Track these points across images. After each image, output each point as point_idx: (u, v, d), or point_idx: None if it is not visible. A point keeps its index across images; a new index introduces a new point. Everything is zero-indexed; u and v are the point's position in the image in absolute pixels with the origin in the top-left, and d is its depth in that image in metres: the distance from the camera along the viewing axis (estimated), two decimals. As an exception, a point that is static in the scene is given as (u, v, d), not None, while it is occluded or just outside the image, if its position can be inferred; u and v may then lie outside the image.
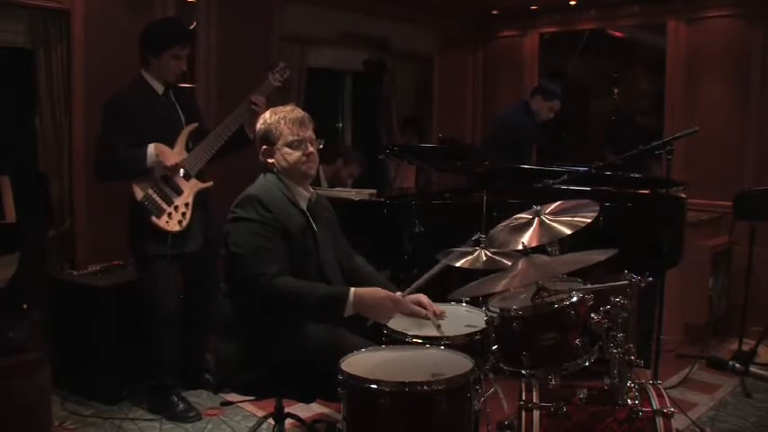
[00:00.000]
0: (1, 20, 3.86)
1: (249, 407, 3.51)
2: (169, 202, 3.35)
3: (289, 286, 2.35)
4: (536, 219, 2.51)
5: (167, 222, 3.32)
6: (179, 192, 3.38)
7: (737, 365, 3.94)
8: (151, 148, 3.28)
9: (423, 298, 2.56)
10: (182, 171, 3.38)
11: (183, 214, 3.37)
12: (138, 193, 3.29)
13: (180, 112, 3.51)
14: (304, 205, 2.57)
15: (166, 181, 3.34)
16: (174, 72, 3.43)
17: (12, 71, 4.13)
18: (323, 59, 5.77)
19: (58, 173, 4.10)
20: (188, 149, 3.45)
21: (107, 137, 3.32)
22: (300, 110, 2.59)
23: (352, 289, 2.37)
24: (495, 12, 6.55)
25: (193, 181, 3.44)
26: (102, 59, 4.13)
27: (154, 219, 3.29)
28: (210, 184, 3.51)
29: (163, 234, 3.31)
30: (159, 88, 3.43)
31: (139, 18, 4.26)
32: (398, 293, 2.53)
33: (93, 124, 4.07)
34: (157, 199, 3.31)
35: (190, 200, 3.41)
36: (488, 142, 5.30)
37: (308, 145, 2.55)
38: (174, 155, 3.34)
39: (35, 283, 3.57)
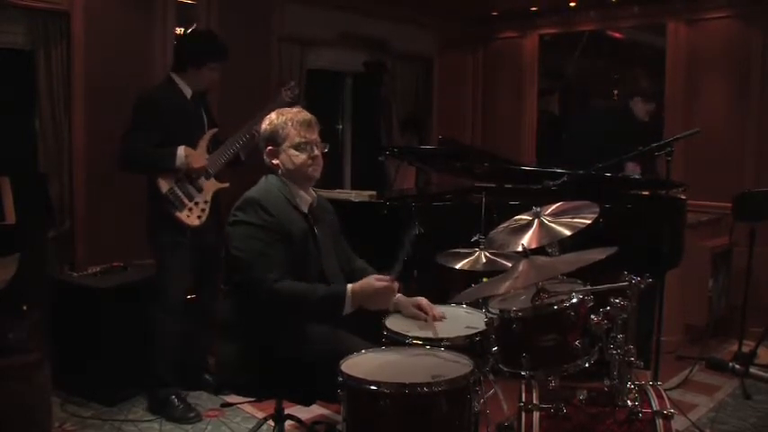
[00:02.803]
0: (1, 21, 3.86)
1: (249, 408, 3.51)
2: (190, 198, 3.51)
3: (288, 290, 2.34)
4: (536, 220, 2.51)
5: (188, 217, 3.48)
6: (200, 190, 3.55)
7: (737, 367, 3.94)
8: (181, 150, 3.44)
9: (422, 301, 2.56)
10: None
11: (203, 210, 3.54)
12: (164, 186, 3.43)
13: (204, 116, 3.68)
14: (305, 208, 2.57)
15: (189, 179, 3.50)
16: (207, 83, 3.64)
17: (12, 72, 4.14)
18: (323, 60, 5.77)
19: (58, 173, 4.09)
20: (208, 152, 3.59)
21: (136, 131, 3.44)
22: (307, 112, 2.59)
23: (349, 285, 2.37)
24: (494, 13, 6.54)
25: (212, 180, 3.60)
26: (102, 60, 4.13)
27: (175, 212, 3.44)
28: (227, 185, 3.64)
29: (183, 227, 3.46)
30: (188, 92, 3.59)
31: (140, 19, 4.28)
32: (398, 295, 2.54)
33: (93, 125, 4.10)
34: (180, 194, 3.47)
35: (209, 197, 3.57)
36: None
37: (314, 148, 2.54)
38: (201, 158, 3.51)
39: (35, 284, 3.57)
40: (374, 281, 2.38)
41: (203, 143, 3.57)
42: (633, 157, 4.02)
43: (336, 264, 2.64)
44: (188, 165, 3.45)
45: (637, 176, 4.42)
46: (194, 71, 3.56)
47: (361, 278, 2.69)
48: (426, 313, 2.53)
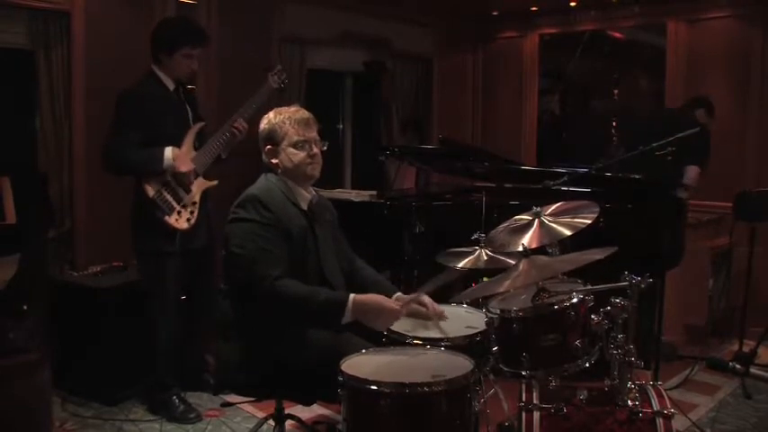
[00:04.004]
0: (1, 21, 3.86)
1: (249, 408, 3.51)
2: (179, 201, 3.39)
3: (290, 290, 2.33)
4: (536, 220, 2.51)
5: (177, 220, 3.36)
6: (188, 190, 3.42)
7: (738, 366, 3.94)
8: (168, 152, 3.32)
9: (424, 297, 2.56)
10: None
11: (192, 212, 3.42)
12: (150, 191, 3.30)
13: (188, 110, 3.55)
14: (305, 206, 2.57)
15: (176, 179, 3.37)
16: (185, 71, 3.48)
17: (12, 72, 4.14)
18: (323, 60, 5.77)
19: (59, 173, 4.10)
20: (195, 148, 3.48)
21: (120, 130, 3.33)
22: (305, 110, 2.58)
23: (352, 295, 2.35)
24: (494, 12, 6.55)
25: (200, 179, 3.48)
26: (103, 60, 4.14)
27: (164, 217, 3.32)
28: (215, 182, 3.55)
29: (171, 232, 3.35)
30: (170, 85, 3.46)
31: (139, 18, 4.28)
32: (398, 294, 2.54)
33: (93, 125, 4.10)
34: (168, 197, 3.35)
35: (197, 198, 3.46)
36: None
37: (313, 146, 2.54)
38: (188, 161, 3.39)
39: (35, 284, 3.57)
40: (381, 301, 2.36)
41: (189, 139, 3.44)
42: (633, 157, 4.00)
43: (336, 262, 2.64)
44: (174, 168, 3.32)
45: (637, 176, 4.42)
46: (168, 59, 3.39)
47: (361, 280, 2.70)
48: (428, 308, 2.53)
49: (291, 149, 2.51)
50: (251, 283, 2.36)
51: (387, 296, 2.50)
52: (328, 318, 2.35)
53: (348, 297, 2.34)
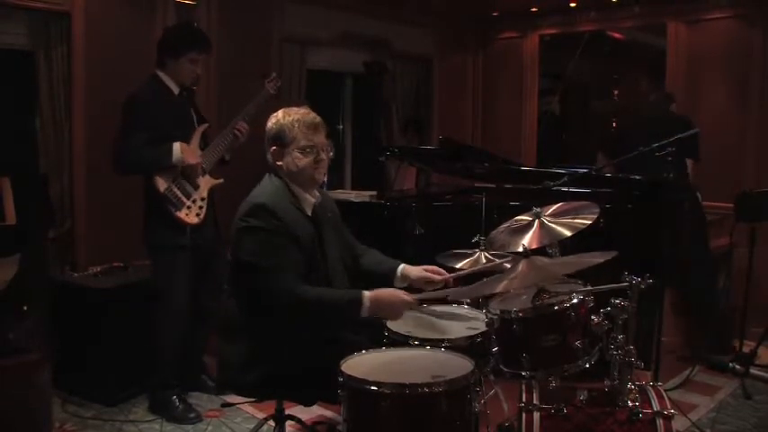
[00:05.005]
0: (2, 22, 3.87)
1: (249, 408, 3.51)
2: (188, 196, 3.45)
3: (309, 296, 2.35)
4: (536, 221, 2.50)
5: (187, 215, 3.42)
6: (196, 187, 3.49)
7: (737, 367, 3.93)
8: (177, 146, 3.38)
9: (431, 267, 2.60)
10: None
11: (201, 208, 3.49)
12: (161, 185, 3.37)
13: (192, 113, 3.61)
14: (309, 211, 2.54)
15: (185, 176, 3.44)
16: (190, 75, 3.53)
17: (13, 73, 4.14)
18: (323, 61, 5.78)
19: (59, 174, 4.10)
20: (201, 148, 3.55)
21: (129, 134, 3.37)
22: (315, 114, 2.53)
23: (366, 293, 2.36)
24: (495, 13, 6.56)
25: (207, 177, 3.55)
26: (103, 61, 4.14)
27: (175, 212, 3.38)
28: (221, 181, 3.61)
29: (182, 226, 3.41)
30: (175, 89, 3.51)
31: (140, 19, 4.29)
32: (402, 265, 2.62)
33: (93, 125, 4.10)
34: (178, 192, 3.42)
35: (205, 194, 3.53)
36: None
37: (320, 151, 2.50)
38: (196, 155, 3.47)
39: (35, 285, 3.57)
40: (395, 294, 2.39)
41: (195, 139, 3.52)
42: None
43: (340, 261, 2.63)
44: (183, 161, 3.39)
45: (638, 177, 4.42)
46: (173, 63, 3.45)
47: (365, 269, 2.71)
48: (439, 275, 2.56)
49: (298, 153, 2.47)
50: (270, 292, 2.35)
51: (392, 271, 2.61)
52: (347, 316, 2.39)
53: (362, 295, 2.35)
